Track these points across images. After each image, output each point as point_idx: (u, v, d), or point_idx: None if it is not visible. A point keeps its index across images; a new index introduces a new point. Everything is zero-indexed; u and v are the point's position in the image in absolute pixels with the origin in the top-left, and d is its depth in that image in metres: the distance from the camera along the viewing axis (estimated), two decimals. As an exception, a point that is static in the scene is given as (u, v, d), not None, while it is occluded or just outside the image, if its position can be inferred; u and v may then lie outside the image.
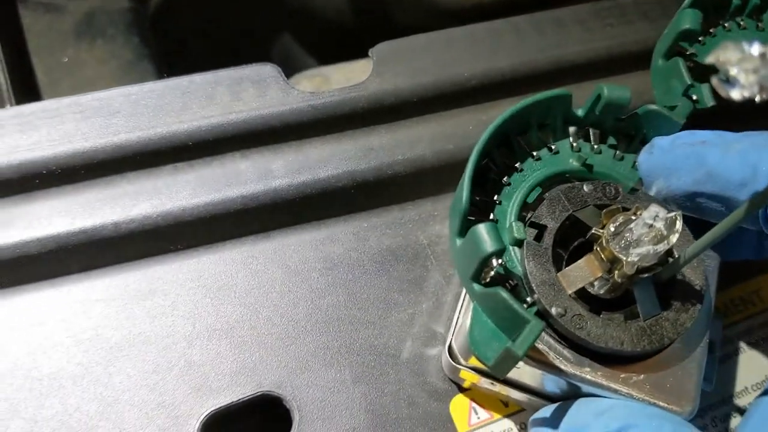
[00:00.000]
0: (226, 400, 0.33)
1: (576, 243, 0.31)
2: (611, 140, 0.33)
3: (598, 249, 0.28)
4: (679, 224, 0.26)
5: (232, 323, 0.34)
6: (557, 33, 0.39)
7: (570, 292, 0.28)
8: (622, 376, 0.28)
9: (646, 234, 0.26)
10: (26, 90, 0.55)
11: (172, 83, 0.35)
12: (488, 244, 0.26)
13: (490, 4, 0.56)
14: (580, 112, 0.32)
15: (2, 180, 0.33)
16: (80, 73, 0.58)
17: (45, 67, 0.58)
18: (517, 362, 0.27)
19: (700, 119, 0.31)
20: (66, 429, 0.32)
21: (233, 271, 0.35)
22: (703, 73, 0.33)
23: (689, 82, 0.32)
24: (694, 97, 0.32)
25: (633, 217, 0.27)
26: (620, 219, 0.28)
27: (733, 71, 0.21)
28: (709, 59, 0.22)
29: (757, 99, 0.21)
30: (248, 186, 0.35)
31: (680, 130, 0.31)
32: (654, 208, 0.26)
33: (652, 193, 0.30)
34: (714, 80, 0.23)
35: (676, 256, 0.28)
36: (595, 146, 0.33)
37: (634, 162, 0.32)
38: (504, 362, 0.27)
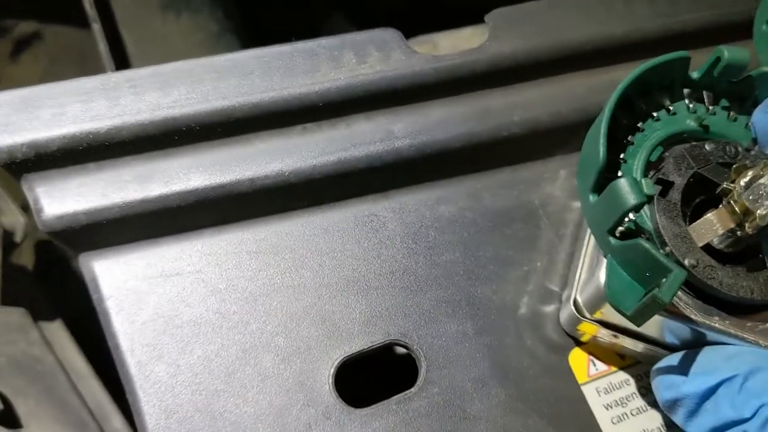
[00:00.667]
0: (357, 347, 0.34)
1: (698, 200, 0.32)
2: (724, 102, 0.34)
3: (730, 202, 0.29)
4: None
5: (357, 276, 0.36)
6: (666, 2, 0.40)
7: (701, 244, 0.29)
8: (748, 324, 0.30)
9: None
10: (119, 59, 0.57)
11: (300, 47, 0.36)
12: (632, 197, 0.27)
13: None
14: (695, 75, 0.33)
15: (145, 136, 0.34)
16: (168, 44, 0.60)
17: (134, 38, 0.59)
18: (661, 308, 0.28)
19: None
20: (207, 373, 0.33)
21: (355, 228, 0.37)
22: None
23: None
24: None
25: (762, 173, 0.28)
26: (750, 174, 0.29)
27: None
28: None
29: None
30: (371, 146, 0.36)
31: None
32: None
33: (766, 152, 0.31)
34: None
35: None
36: (710, 107, 0.34)
37: (747, 123, 0.33)
38: (648, 309, 0.28)
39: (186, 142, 0.35)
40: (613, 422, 0.34)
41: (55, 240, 0.34)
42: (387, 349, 0.35)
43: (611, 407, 0.34)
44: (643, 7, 0.40)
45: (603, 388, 0.34)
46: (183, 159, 0.35)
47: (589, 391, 0.34)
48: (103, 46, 0.51)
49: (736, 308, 0.30)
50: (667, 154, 0.32)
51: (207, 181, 0.35)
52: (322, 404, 0.33)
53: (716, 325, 0.29)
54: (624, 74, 0.35)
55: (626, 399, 0.34)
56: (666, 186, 0.31)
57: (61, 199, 0.34)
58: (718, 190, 0.30)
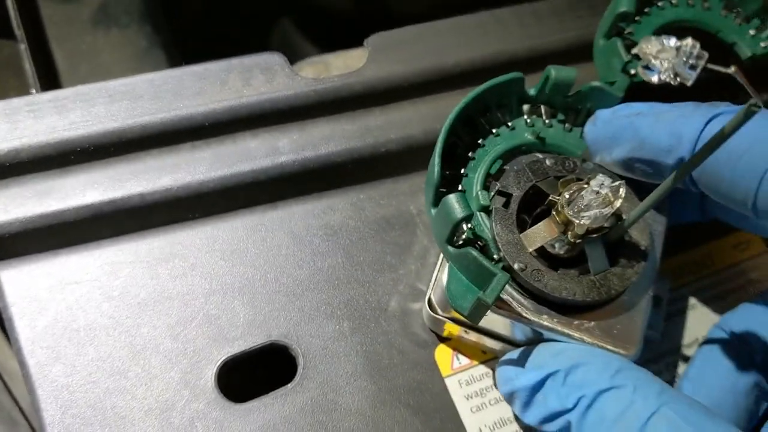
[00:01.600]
0: (239, 348, 0.37)
1: (538, 210, 0.35)
2: (560, 116, 0.38)
3: (555, 213, 0.33)
4: (622, 191, 0.30)
5: (244, 282, 0.39)
6: (536, 24, 0.44)
7: (530, 250, 0.33)
8: (575, 323, 0.33)
9: (594, 199, 0.30)
10: (49, 76, 0.59)
11: (188, 70, 0.40)
12: (458, 211, 0.31)
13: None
14: (532, 92, 0.37)
15: (42, 156, 0.37)
16: (97, 59, 0.63)
17: (64, 53, 0.62)
18: (487, 309, 0.31)
19: (649, 93, 0.35)
20: (101, 372, 0.36)
21: (244, 237, 0.40)
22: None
23: (626, 59, 0.36)
24: (633, 72, 0.36)
25: (584, 186, 0.32)
26: (573, 187, 0.32)
27: (653, 60, 0.26)
28: (635, 50, 0.27)
29: (673, 83, 0.25)
30: (257, 161, 0.40)
31: (621, 103, 0.36)
32: (600, 177, 0.30)
33: (596, 160, 0.35)
34: (638, 67, 0.27)
35: (624, 219, 0.32)
36: (547, 121, 0.37)
37: (581, 133, 0.36)
38: (477, 310, 0.31)
39: (81, 161, 0.38)
40: (472, 411, 0.37)
41: (-40, 253, 0.37)
42: (272, 348, 0.38)
43: (471, 398, 0.38)
44: (514, 30, 0.44)
45: (464, 380, 0.38)
46: (79, 176, 0.38)
47: (451, 384, 0.38)
48: (29, 66, 0.54)
49: (566, 308, 0.33)
50: (507, 167, 0.35)
51: (101, 197, 0.38)
52: (205, 400, 0.36)
53: (545, 323, 0.33)
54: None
55: (485, 390, 0.38)
56: (508, 197, 0.34)
57: (-35, 214, 0.37)
58: (546, 201, 0.34)
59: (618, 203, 0.30)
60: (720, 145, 0.26)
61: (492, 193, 0.34)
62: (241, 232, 0.40)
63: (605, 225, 0.32)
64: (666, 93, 0.33)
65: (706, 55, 0.30)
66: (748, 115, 0.24)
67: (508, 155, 0.36)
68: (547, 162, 0.35)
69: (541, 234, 0.33)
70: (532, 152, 0.36)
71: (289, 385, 0.37)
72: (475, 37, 0.43)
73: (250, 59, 0.41)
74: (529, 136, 0.36)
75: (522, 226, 0.34)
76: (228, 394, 0.37)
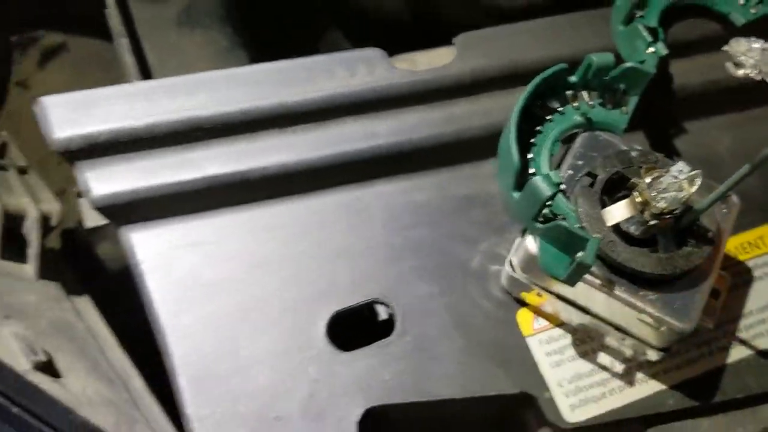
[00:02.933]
0: (346, 304, 0.42)
1: (620, 194, 0.40)
2: (601, 97, 0.43)
3: (635, 194, 0.37)
4: (698, 180, 0.35)
5: (346, 249, 0.44)
6: (606, 27, 0.49)
7: (609, 224, 0.38)
8: (640, 293, 0.38)
9: (672, 184, 0.35)
10: (143, 70, 0.65)
11: (300, 62, 0.45)
12: (545, 191, 0.36)
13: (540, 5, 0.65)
14: (574, 78, 0.42)
15: (175, 131, 0.42)
16: (183, 56, 0.68)
17: (154, 50, 0.67)
18: (586, 270, 0.36)
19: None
20: (223, 321, 0.41)
21: (345, 210, 0.45)
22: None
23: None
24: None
25: (665, 172, 0.37)
26: (655, 173, 0.37)
27: (741, 58, 0.31)
28: (725, 48, 0.32)
29: (756, 78, 0.30)
30: (357, 143, 0.45)
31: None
32: (681, 164, 0.35)
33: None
34: (727, 64, 0.32)
35: (694, 207, 0.37)
36: (590, 102, 0.42)
37: (622, 109, 0.42)
38: (576, 272, 0.36)
39: (208, 137, 0.43)
40: (551, 366, 0.42)
41: (101, 214, 0.42)
42: (373, 305, 0.43)
43: (551, 354, 0.42)
44: (586, 33, 0.49)
45: (544, 340, 0.43)
46: (206, 151, 0.43)
47: (532, 342, 0.43)
48: (128, 58, 0.59)
49: (634, 279, 0.38)
50: (596, 154, 0.41)
51: (225, 169, 0.43)
52: (317, 347, 0.41)
53: (614, 291, 0.38)
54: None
55: (563, 348, 0.43)
56: (593, 178, 0.39)
57: (107, 181, 0.42)
58: (628, 183, 0.39)
59: (693, 189, 0.35)
60: None
61: (581, 175, 0.39)
62: (341, 206, 0.45)
63: (678, 209, 0.36)
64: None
65: None
66: None
67: (564, 137, 0.42)
68: (633, 153, 0.40)
69: (620, 211, 0.38)
70: (584, 130, 0.42)
71: (389, 337, 0.42)
72: (550, 37, 0.48)
73: (354, 53, 0.46)
74: (578, 118, 0.42)
75: (601, 205, 0.39)
76: (336, 344, 0.41)
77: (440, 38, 0.53)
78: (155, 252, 0.43)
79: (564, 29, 0.49)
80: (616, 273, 0.38)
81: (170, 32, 0.70)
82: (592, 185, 0.39)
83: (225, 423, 0.39)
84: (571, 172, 0.40)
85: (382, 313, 0.43)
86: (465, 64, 0.46)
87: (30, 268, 0.60)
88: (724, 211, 0.41)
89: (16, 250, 0.60)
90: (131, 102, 0.42)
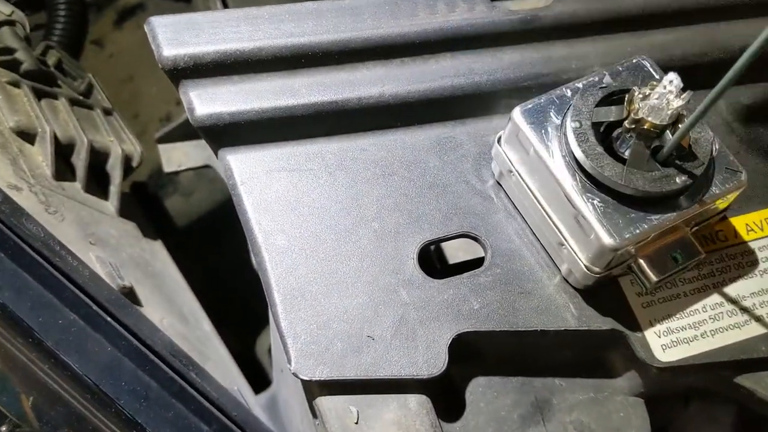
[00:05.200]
0: (437, 234, 0.43)
1: None
2: None
3: (628, 101, 0.38)
4: (686, 95, 0.35)
5: (438, 183, 0.44)
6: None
7: (593, 120, 0.39)
8: (588, 193, 0.38)
9: (661, 95, 0.35)
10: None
11: (402, -5, 0.46)
12: None
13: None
14: None
15: (279, 57, 0.43)
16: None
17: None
18: None
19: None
20: (318, 244, 0.42)
21: (437, 146, 0.45)
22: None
23: None
24: None
25: (660, 89, 0.36)
26: (655, 86, 0.37)
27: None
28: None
29: None
30: (455, 79, 0.45)
31: None
32: (671, 75, 0.35)
33: None
34: None
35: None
36: None
37: None
38: None
39: (310, 64, 0.44)
40: (643, 306, 0.42)
41: (203, 134, 0.43)
42: (464, 237, 0.43)
43: (642, 295, 0.42)
44: (685, -18, 0.49)
45: (636, 280, 0.42)
46: (307, 78, 0.44)
47: (624, 282, 0.42)
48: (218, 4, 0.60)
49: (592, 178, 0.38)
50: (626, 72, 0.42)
51: (324, 98, 0.44)
52: (408, 273, 0.41)
53: (556, 172, 0.39)
54: (664, 37, 0.44)
55: (655, 289, 0.42)
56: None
57: (210, 101, 0.43)
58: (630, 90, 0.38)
59: (678, 103, 0.35)
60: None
61: (609, 74, 0.40)
62: (434, 142, 0.45)
63: (660, 123, 0.36)
64: None
65: None
66: None
67: None
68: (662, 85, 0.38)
69: (609, 112, 0.39)
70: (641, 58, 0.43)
71: (479, 268, 0.42)
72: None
73: (458, -10, 0.46)
74: None
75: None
76: (426, 272, 0.42)
77: None
78: (252, 174, 0.43)
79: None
80: (580, 169, 0.38)
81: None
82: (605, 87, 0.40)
83: (318, 339, 0.39)
84: (595, 78, 0.41)
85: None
86: (564, 6, 0.46)
87: (111, 204, 0.61)
88: (726, 180, 0.40)
89: (99, 186, 0.62)
90: (238, 26, 0.43)
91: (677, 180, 0.38)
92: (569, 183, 0.38)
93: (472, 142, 0.46)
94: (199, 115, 0.42)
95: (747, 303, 0.42)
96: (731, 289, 0.43)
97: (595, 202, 0.38)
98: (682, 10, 0.48)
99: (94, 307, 0.40)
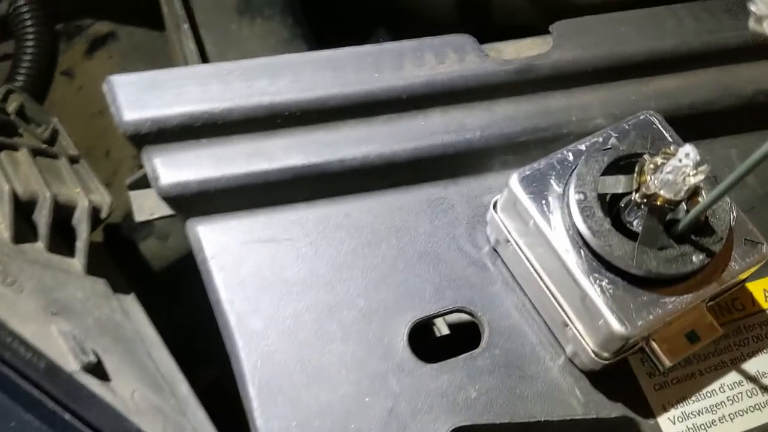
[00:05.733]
0: (428, 311, 0.39)
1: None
2: None
3: (638, 171, 0.34)
4: (704, 170, 0.31)
5: (430, 251, 0.40)
6: (710, 20, 0.45)
7: (599, 191, 0.35)
8: (595, 273, 0.34)
9: (676, 169, 0.32)
10: (201, 58, 0.62)
11: (388, 46, 0.42)
12: None
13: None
14: None
15: (252, 118, 0.39)
16: (244, 47, 0.65)
17: (213, 39, 0.65)
18: None
19: None
20: (297, 326, 0.38)
21: (429, 209, 0.41)
22: None
23: None
24: None
25: (670, 159, 0.33)
26: (669, 156, 0.33)
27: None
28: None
29: None
30: (445, 136, 0.41)
31: None
32: (688, 148, 0.31)
33: None
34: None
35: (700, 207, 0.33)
36: None
37: None
38: None
39: (287, 125, 0.40)
40: (655, 388, 0.38)
41: (169, 204, 0.39)
42: (458, 314, 0.40)
43: (654, 375, 0.38)
44: (690, 24, 0.45)
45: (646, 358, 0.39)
46: (283, 140, 0.40)
47: (634, 360, 0.39)
48: (191, 44, 0.56)
49: (598, 257, 0.35)
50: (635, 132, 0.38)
51: (303, 160, 0.40)
52: (397, 358, 0.38)
53: (563, 254, 0.35)
54: (671, 83, 0.40)
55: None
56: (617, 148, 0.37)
57: (177, 168, 0.39)
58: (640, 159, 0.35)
59: (692, 181, 0.31)
60: None
61: (609, 145, 0.37)
62: (425, 204, 0.42)
63: (675, 199, 0.32)
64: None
65: None
66: None
67: None
68: (671, 148, 0.35)
69: (616, 183, 0.35)
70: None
71: (477, 349, 0.38)
72: (652, 29, 0.44)
73: (442, 39, 0.42)
74: None
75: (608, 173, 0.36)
76: (418, 355, 0.38)
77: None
78: (225, 247, 0.39)
79: (665, 20, 0.45)
80: (580, 240, 0.35)
81: (231, 22, 0.67)
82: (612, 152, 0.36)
83: (299, 437, 0.35)
84: (599, 139, 0.38)
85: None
86: (563, 53, 0.43)
87: (78, 262, 0.57)
88: (746, 252, 0.36)
89: (64, 242, 0.57)
90: (206, 84, 0.39)
91: (694, 259, 0.34)
92: (574, 261, 0.35)
93: (465, 204, 0.42)
94: (165, 183, 0.38)
95: (767, 381, 0.38)
96: (751, 366, 0.39)
97: (603, 283, 0.34)
98: (690, 54, 0.44)
99: (51, 405, 0.36)
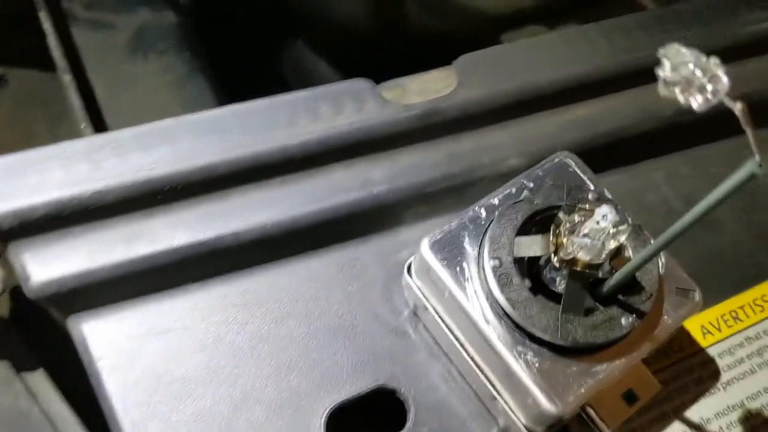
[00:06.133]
0: (346, 394, 0.35)
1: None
2: None
3: (554, 231, 0.31)
4: (623, 234, 0.29)
5: (344, 323, 0.37)
6: (624, 38, 0.42)
7: (515, 255, 0.32)
8: (519, 347, 0.31)
9: (594, 230, 0.29)
10: (90, 107, 0.57)
11: (277, 100, 0.38)
12: None
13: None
14: None
15: (128, 198, 0.35)
16: (138, 87, 0.60)
17: (103, 82, 0.60)
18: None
19: None
20: (201, 428, 0.34)
21: (339, 274, 0.38)
22: None
23: None
24: None
25: (592, 215, 0.30)
26: (587, 214, 0.30)
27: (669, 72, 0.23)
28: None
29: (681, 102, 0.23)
30: (350, 194, 0.38)
31: None
32: (606, 208, 0.28)
33: None
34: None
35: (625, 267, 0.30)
36: None
37: None
38: None
39: (169, 200, 0.36)
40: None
41: (44, 305, 0.35)
42: (379, 393, 0.36)
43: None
44: (602, 45, 0.42)
45: None
46: (166, 217, 0.36)
47: None
48: (75, 99, 0.51)
49: (519, 328, 0.31)
50: (551, 182, 0.35)
51: (191, 238, 0.35)
52: (316, 453, 0.34)
53: (483, 326, 0.32)
54: (587, 111, 0.38)
55: None
56: (530, 203, 0.33)
57: (48, 264, 0.34)
58: (555, 219, 0.32)
59: (612, 244, 0.29)
60: (716, 208, 0.24)
61: (521, 197, 0.34)
62: (334, 269, 0.38)
63: (595, 262, 0.30)
64: None
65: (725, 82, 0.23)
66: (746, 180, 0.22)
67: None
68: (590, 196, 0.33)
69: (532, 245, 0.32)
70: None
71: (402, 431, 0.35)
72: (561, 55, 0.41)
73: (339, 86, 0.39)
74: None
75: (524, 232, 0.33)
76: (339, 445, 0.34)
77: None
78: (114, 345, 0.35)
79: (575, 43, 0.42)
80: (499, 311, 0.32)
81: (121, 60, 0.62)
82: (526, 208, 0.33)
83: None
84: (512, 190, 0.35)
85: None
86: (469, 92, 0.39)
87: (-29, 347, 0.52)
88: (679, 303, 0.33)
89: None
90: (73, 165, 0.35)
91: (623, 322, 0.31)
92: (495, 334, 0.31)
93: (378, 264, 0.38)
94: (36, 284, 0.34)
95: (713, 427, 0.36)
96: (694, 413, 0.37)
97: (528, 357, 0.31)
98: (604, 78, 0.41)
99: None
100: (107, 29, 0.62)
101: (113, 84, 0.60)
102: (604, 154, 0.41)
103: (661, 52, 0.24)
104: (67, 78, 0.52)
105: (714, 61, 0.23)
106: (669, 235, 0.26)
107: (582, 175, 0.35)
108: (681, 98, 0.23)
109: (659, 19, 0.43)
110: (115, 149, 0.35)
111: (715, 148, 0.44)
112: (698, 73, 0.23)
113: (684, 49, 0.23)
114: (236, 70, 0.68)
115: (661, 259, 0.33)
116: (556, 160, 0.36)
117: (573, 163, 0.36)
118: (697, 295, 0.34)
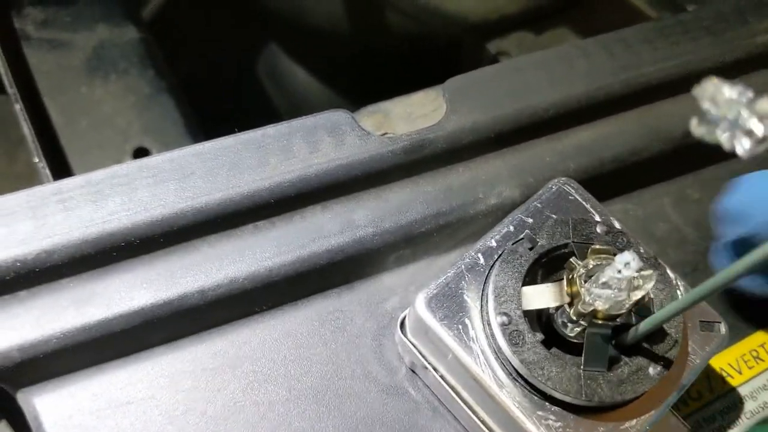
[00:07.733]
0: (334, 467, 0.31)
1: (557, 275, 0.30)
2: None
3: (568, 279, 0.28)
4: (651, 283, 0.25)
5: (329, 384, 0.33)
6: (626, 53, 0.38)
7: (523, 309, 0.28)
8: (539, 411, 0.28)
9: (615, 279, 0.25)
10: (44, 135, 0.52)
11: (245, 138, 0.33)
12: None
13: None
14: None
15: (79, 256, 0.31)
16: (97, 110, 0.56)
17: (59, 107, 0.55)
18: None
19: None
20: None
21: (320, 327, 0.34)
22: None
23: None
24: None
25: (607, 261, 0.27)
26: (602, 258, 0.27)
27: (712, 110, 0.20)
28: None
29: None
30: (331, 239, 0.34)
31: None
32: (628, 255, 0.25)
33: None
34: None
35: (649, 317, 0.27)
36: None
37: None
38: None
39: (126, 257, 0.32)
40: None
41: (-13, 381, 0.31)
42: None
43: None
44: (603, 61, 0.38)
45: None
46: (124, 276, 0.32)
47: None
48: (27, 130, 0.47)
49: (535, 389, 0.28)
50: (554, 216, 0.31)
51: (153, 299, 0.31)
52: None
53: (496, 393, 0.28)
54: (589, 135, 0.34)
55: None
56: (533, 244, 0.30)
57: (-9, 335, 0.30)
58: (566, 264, 0.28)
59: (639, 294, 0.25)
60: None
61: (521, 236, 0.30)
62: (316, 323, 0.34)
63: (618, 313, 0.27)
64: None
65: None
66: None
67: None
68: (598, 229, 0.30)
69: (543, 296, 0.28)
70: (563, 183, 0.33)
71: None
72: (559, 74, 0.38)
73: (314, 119, 0.35)
74: None
75: (531, 280, 0.29)
76: None
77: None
78: (70, 421, 0.31)
79: (574, 60, 0.39)
80: (513, 372, 0.28)
81: (79, 83, 0.57)
82: (531, 250, 0.30)
83: None
84: (511, 228, 0.31)
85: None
86: (460, 119, 0.35)
87: None
88: (705, 339, 0.30)
89: None
90: (15, 222, 0.31)
91: (651, 372, 0.28)
92: (510, 400, 0.28)
93: (366, 314, 0.35)
94: (-23, 357, 0.30)
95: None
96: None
97: (549, 422, 0.27)
98: (606, 99, 0.38)
99: None
100: (63, 49, 0.58)
101: (70, 109, 0.55)
102: (609, 182, 0.37)
103: (698, 90, 0.20)
104: (17, 107, 0.47)
105: (765, 102, 0.19)
106: (711, 285, 0.23)
107: (584, 203, 0.32)
108: (724, 141, 0.20)
109: (663, 30, 0.39)
110: (62, 202, 0.31)
111: (726, 168, 0.40)
112: (745, 113, 0.19)
113: (727, 87, 0.20)
114: (206, 87, 0.63)
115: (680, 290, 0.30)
116: (554, 188, 0.32)
117: (573, 190, 0.32)
118: (723, 327, 0.30)
